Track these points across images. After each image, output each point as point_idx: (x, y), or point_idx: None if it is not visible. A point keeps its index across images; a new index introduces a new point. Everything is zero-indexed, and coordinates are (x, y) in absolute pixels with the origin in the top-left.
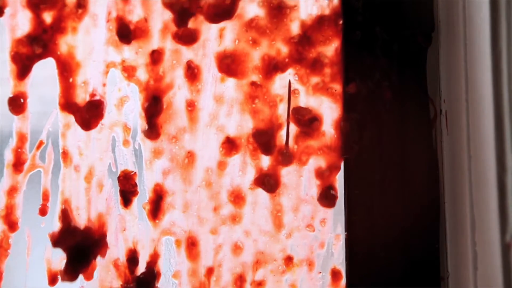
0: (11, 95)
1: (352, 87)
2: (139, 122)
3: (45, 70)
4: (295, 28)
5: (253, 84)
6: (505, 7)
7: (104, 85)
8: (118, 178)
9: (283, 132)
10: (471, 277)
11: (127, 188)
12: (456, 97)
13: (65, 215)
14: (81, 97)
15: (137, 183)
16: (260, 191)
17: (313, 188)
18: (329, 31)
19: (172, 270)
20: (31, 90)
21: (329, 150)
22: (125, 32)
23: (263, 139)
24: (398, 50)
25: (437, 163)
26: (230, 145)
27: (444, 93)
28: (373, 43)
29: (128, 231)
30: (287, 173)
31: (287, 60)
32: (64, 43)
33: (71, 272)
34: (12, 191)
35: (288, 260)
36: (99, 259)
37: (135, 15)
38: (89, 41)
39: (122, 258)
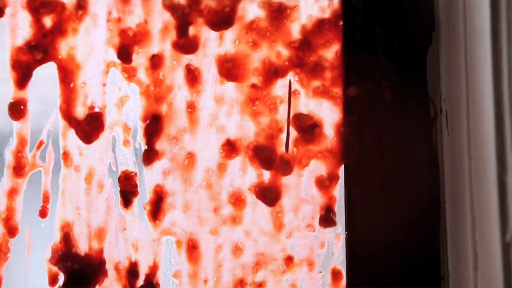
0: (11, 101)
1: (352, 90)
2: (139, 122)
3: (45, 70)
4: (295, 31)
5: (253, 86)
6: (505, 7)
7: (104, 85)
8: (119, 178)
9: (283, 136)
10: (471, 277)
11: (127, 188)
12: (456, 97)
13: (67, 240)
14: (82, 108)
15: (138, 184)
16: None
17: (313, 188)
18: (329, 34)
19: (172, 269)
20: (31, 90)
21: (329, 153)
22: (125, 54)
23: (264, 155)
24: (398, 50)
25: (437, 163)
26: (230, 147)
27: (445, 93)
28: (373, 43)
29: (128, 230)
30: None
31: (286, 63)
32: (65, 45)
33: None
34: (12, 192)
35: (289, 260)
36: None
37: (135, 16)
38: (89, 41)
39: (123, 262)
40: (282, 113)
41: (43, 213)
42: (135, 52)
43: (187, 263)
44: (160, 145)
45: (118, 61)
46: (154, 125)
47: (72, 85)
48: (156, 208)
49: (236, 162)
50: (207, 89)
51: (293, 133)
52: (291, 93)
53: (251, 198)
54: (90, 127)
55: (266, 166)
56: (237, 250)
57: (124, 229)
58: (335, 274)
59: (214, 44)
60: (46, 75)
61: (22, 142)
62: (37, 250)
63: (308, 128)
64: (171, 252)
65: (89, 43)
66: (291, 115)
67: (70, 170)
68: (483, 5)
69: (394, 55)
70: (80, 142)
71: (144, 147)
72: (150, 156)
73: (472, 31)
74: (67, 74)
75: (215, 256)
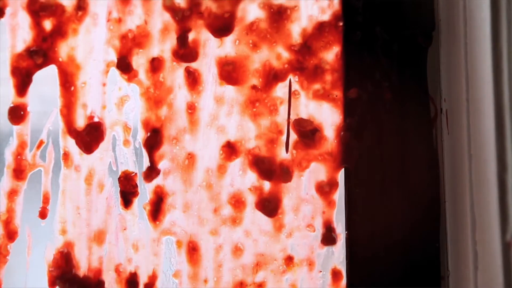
0: (11, 105)
1: (353, 92)
2: (139, 122)
3: (45, 70)
4: (295, 33)
5: (253, 87)
6: (505, 6)
7: (104, 84)
8: (119, 179)
9: (283, 137)
10: (471, 276)
11: (127, 189)
12: (456, 96)
13: (67, 260)
14: (82, 118)
15: (138, 184)
16: None
17: (313, 188)
18: (329, 36)
19: (172, 269)
20: (31, 90)
21: (329, 156)
22: (125, 65)
23: (264, 166)
24: (398, 50)
25: (437, 162)
26: (230, 149)
27: (445, 92)
28: (374, 43)
29: (129, 230)
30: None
31: (286, 65)
32: (65, 46)
33: None
34: (12, 194)
35: (289, 260)
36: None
37: (135, 16)
38: (89, 40)
39: (124, 264)
40: (282, 114)
41: (43, 214)
42: (135, 54)
43: (187, 264)
44: (161, 164)
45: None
46: (154, 138)
47: (72, 88)
48: (156, 208)
49: (236, 162)
50: (207, 89)
51: (294, 134)
52: (291, 93)
53: (251, 199)
54: (90, 137)
55: (266, 177)
56: (237, 250)
57: (124, 229)
58: (335, 274)
59: (214, 44)
60: (46, 75)
61: (22, 145)
62: (37, 250)
63: (308, 133)
64: (171, 252)
65: (89, 43)
66: (292, 117)
67: (71, 170)
68: (483, 5)
69: (394, 55)
70: None
71: (146, 163)
72: (152, 174)
73: (472, 31)
74: (67, 79)
75: (215, 256)
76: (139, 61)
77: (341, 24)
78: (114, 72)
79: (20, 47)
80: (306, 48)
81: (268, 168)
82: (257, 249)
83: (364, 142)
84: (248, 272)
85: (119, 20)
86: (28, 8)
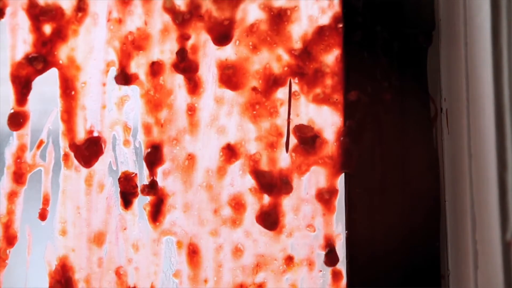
0: (11, 111)
1: (353, 95)
2: (139, 122)
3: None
4: (296, 35)
5: (253, 89)
6: (506, 6)
7: (104, 84)
8: (119, 179)
9: (283, 139)
10: (471, 276)
11: (127, 189)
12: (456, 96)
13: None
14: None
15: (138, 184)
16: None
17: (313, 187)
18: (330, 39)
19: (173, 269)
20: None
21: (330, 159)
22: (124, 79)
23: (265, 181)
24: (398, 49)
25: (437, 162)
26: (230, 152)
27: (445, 92)
28: (374, 42)
29: (129, 230)
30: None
31: (286, 68)
32: (65, 48)
33: None
34: (12, 195)
35: (289, 259)
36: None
37: (135, 16)
38: (89, 40)
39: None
40: (282, 115)
41: (42, 216)
42: (135, 58)
43: (187, 267)
44: (163, 181)
45: (117, 56)
46: (154, 154)
47: (73, 93)
48: (157, 210)
49: (236, 164)
50: (208, 89)
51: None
52: (291, 93)
53: (251, 199)
54: (89, 151)
55: (267, 191)
56: (237, 251)
57: (124, 229)
58: (335, 274)
59: (214, 45)
60: (47, 74)
61: (22, 147)
62: (37, 249)
63: (309, 139)
64: (171, 251)
65: (89, 43)
66: (292, 117)
67: (71, 171)
68: (483, 4)
69: (394, 55)
70: None
71: (147, 178)
72: (152, 191)
73: (473, 30)
74: (68, 84)
75: (215, 257)
76: (140, 62)
77: (341, 26)
78: (114, 71)
79: (20, 47)
80: (307, 53)
81: (268, 182)
82: (257, 249)
83: (364, 142)
84: (248, 273)
85: (119, 21)
86: (28, 12)
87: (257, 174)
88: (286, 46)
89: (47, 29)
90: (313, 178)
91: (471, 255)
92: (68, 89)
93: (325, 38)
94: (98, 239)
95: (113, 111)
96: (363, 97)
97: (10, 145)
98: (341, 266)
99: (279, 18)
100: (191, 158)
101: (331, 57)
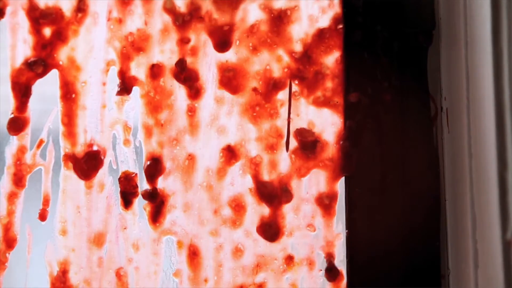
0: (11, 116)
1: (354, 96)
2: (139, 121)
3: None
4: (296, 36)
5: (254, 89)
6: (506, 5)
7: (104, 84)
8: (119, 179)
9: (283, 141)
10: (471, 275)
11: (128, 189)
12: (457, 95)
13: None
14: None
15: (138, 184)
16: None
17: (313, 187)
18: (330, 41)
19: (173, 268)
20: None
21: (330, 162)
22: (126, 86)
23: (267, 190)
24: (398, 49)
25: (437, 161)
26: (230, 153)
27: (445, 91)
28: (374, 42)
29: (129, 229)
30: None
31: (286, 70)
32: (65, 49)
33: None
34: (12, 196)
35: (289, 259)
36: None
37: (135, 16)
38: (90, 40)
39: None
40: (283, 116)
41: (42, 216)
42: (135, 60)
43: (188, 268)
44: (163, 181)
45: (118, 60)
46: (154, 166)
47: (74, 95)
48: (157, 210)
49: (237, 165)
50: (208, 89)
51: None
52: (291, 94)
53: (251, 199)
54: (87, 165)
55: (268, 202)
56: (237, 251)
57: (125, 228)
58: (336, 274)
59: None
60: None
61: (22, 149)
62: (38, 249)
63: (309, 144)
64: (171, 250)
65: (89, 42)
66: (292, 117)
67: (71, 171)
68: (483, 4)
69: (394, 54)
70: None
71: (148, 187)
72: (154, 197)
73: (473, 29)
74: (69, 88)
75: (215, 256)
76: (140, 62)
77: (341, 26)
78: (114, 71)
79: (21, 47)
80: (307, 57)
81: (269, 193)
82: (257, 249)
83: (364, 142)
84: (248, 272)
85: (120, 20)
86: (28, 15)
87: (258, 183)
88: (286, 48)
89: (47, 31)
90: (314, 178)
91: (471, 254)
92: (68, 93)
93: (325, 40)
94: (98, 238)
95: (113, 110)
96: (363, 98)
97: (10, 144)
98: (341, 265)
99: (279, 20)
100: (191, 158)
101: (331, 59)
